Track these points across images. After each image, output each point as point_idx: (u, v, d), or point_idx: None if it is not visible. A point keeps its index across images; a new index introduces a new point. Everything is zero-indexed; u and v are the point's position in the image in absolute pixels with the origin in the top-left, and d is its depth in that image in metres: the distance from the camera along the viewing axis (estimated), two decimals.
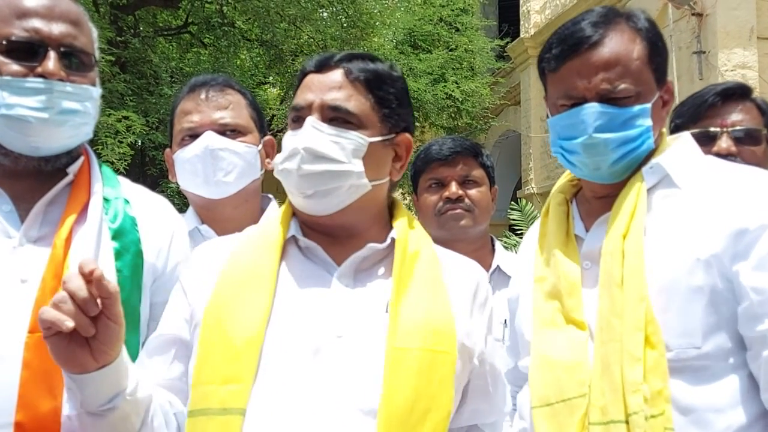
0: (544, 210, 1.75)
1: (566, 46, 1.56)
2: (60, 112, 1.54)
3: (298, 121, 1.52)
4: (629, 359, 1.41)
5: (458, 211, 2.47)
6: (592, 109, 1.53)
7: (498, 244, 2.64)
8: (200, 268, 1.55)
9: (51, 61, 1.53)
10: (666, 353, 1.42)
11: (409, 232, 1.54)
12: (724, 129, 2.18)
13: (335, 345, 1.39)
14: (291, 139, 1.50)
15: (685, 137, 1.66)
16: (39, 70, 1.52)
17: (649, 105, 1.55)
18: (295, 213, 1.57)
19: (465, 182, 2.49)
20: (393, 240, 1.52)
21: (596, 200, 1.66)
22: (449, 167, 2.49)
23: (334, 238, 1.53)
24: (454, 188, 2.47)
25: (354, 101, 1.51)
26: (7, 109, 1.51)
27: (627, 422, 1.40)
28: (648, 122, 1.55)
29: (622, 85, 1.53)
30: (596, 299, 1.52)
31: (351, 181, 1.49)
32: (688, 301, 1.44)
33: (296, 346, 1.39)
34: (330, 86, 1.52)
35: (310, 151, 1.47)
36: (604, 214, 1.60)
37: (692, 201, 1.51)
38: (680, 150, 1.62)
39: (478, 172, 2.52)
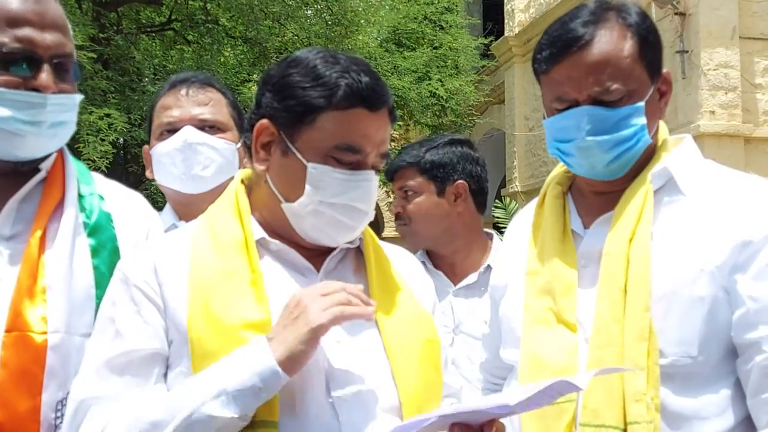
0: (539, 200, 1.72)
1: (555, 48, 1.54)
2: (51, 126, 1.52)
3: (349, 165, 1.41)
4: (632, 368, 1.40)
5: (402, 227, 2.50)
6: (584, 112, 1.51)
7: (497, 241, 2.54)
8: (159, 276, 1.39)
9: (45, 74, 1.50)
10: (660, 360, 1.42)
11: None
12: None
13: (337, 350, 1.37)
14: (351, 184, 1.41)
15: (688, 140, 1.65)
16: (34, 83, 1.49)
17: (642, 103, 1.53)
18: (253, 211, 1.48)
19: (406, 196, 2.47)
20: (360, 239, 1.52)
21: (595, 196, 1.64)
22: (395, 184, 2.52)
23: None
24: (395, 204, 2.51)
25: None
26: (1, 123, 1.48)
27: (624, 430, 1.39)
28: (642, 120, 1.53)
29: (614, 86, 1.50)
30: (592, 300, 1.51)
31: None
32: (688, 310, 1.44)
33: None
34: (383, 138, 1.44)
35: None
36: (604, 212, 1.59)
37: (697, 209, 1.51)
38: (684, 154, 1.61)
39: (415, 182, 2.44)
